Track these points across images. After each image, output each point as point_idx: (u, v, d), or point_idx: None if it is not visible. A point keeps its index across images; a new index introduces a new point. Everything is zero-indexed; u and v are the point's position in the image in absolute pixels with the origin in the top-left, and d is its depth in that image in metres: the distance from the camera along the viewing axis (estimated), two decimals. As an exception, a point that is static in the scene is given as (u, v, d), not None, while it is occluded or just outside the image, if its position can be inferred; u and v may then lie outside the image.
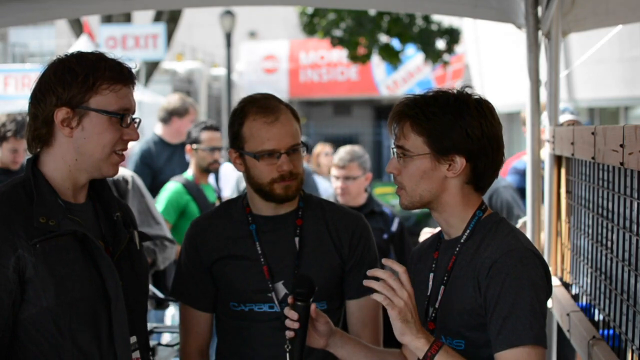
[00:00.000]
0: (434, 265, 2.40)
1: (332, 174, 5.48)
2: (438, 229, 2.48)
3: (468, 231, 2.32)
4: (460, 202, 2.33)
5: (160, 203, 5.48)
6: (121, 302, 2.34)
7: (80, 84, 2.30)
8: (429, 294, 2.37)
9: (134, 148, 6.53)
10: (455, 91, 2.33)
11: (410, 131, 2.30)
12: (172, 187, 5.65)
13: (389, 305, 2.15)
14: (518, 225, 5.09)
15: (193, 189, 5.64)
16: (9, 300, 2.22)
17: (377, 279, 2.20)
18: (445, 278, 2.32)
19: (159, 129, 6.60)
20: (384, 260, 2.25)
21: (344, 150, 5.46)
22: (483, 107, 2.30)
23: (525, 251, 2.23)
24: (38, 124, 2.33)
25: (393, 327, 2.17)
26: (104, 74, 2.32)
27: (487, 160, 2.31)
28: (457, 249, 2.32)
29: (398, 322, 2.15)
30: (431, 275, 2.39)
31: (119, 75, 2.35)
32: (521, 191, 5.14)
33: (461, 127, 2.26)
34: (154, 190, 5.59)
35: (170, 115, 6.57)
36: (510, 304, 2.15)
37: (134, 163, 6.36)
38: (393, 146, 2.36)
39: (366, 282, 2.21)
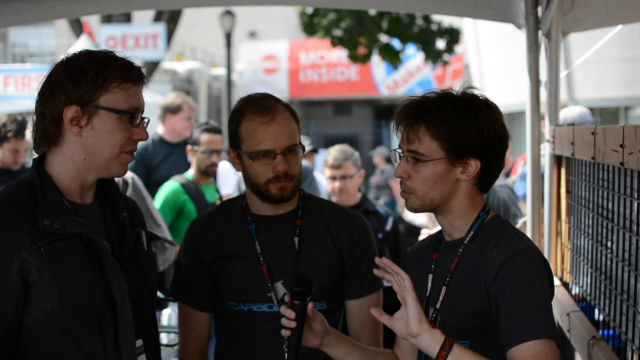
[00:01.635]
0: (432, 266, 2.39)
1: (326, 175, 5.48)
2: (436, 229, 2.48)
3: (472, 233, 2.32)
4: (467, 203, 2.33)
5: (157, 201, 5.48)
6: (127, 305, 2.31)
7: (90, 82, 2.27)
8: (427, 294, 2.37)
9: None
10: (459, 92, 2.31)
11: (425, 135, 2.27)
12: (169, 186, 5.66)
13: (401, 288, 2.11)
14: (518, 226, 5.09)
15: (191, 189, 5.64)
16: (12, 304, 2.19)
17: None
18: (448, 279, 2.32)
19: (160, 129, 6.61)
20: (377, 260, 2.23)
21: (336, 150, 5.47)
22: (492, 108, 2.30)
23: (532, 252, 2.24)
24: (46, 123, 2.29)
25: (409, 315, 2.10)
26: (114, 72, 2.29)
27: (497, 160, 2.32)
28: (460, 250, 2.32)
29: (417, 304, 2.09)
30: (430, 276, 2.38)
31: (129, 74, 2.32)
32: None
33: (477, 129, 2.25)
34: (147, 188, 5.60)
35: (164, 113, 6.57)
36: (522, 300, 2.15)
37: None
38: (399, 149, 2.33)
39: (377, 272, 2.19)
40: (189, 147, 5.77)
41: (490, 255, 2.24)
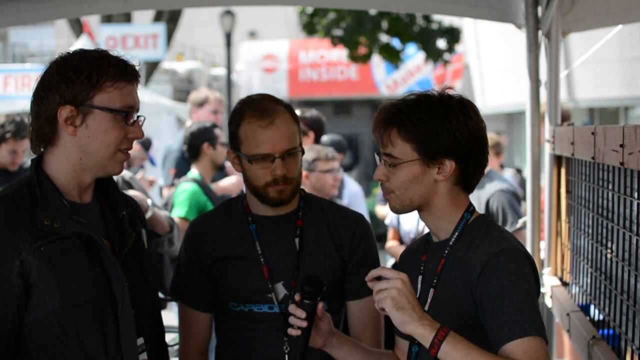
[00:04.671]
0: (422, 268, 2.40)
1: (321, 168, 5.36)
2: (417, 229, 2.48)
3: (457, 233, 2.33)
4: (450, 203, 2.34)
5: (182, 205, 5.42)
6: (127, 303, 2.32)
7: (84, 81, 2.27)
8: (418, 296, 2.37)
9: (174, 144, 6.62)
10: (436, 93, 2.33)
11: (397, 138, 2.29)
12: (189, 187, 5.56)
13: (379, 300, 2.13)
14: (518, 225, 5.09)
15: (206, 189, 5.64)
16: (13, 304, 2.20)
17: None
18: (435, 281, 2.32)
19: (189, 123, 6.60)
20: (370, 284, 2.24)
21: (322, 146, 5.42)
22: (467, 108, 2.31)
23: (516, 251, 2.24)
24: (41, 123, 2.30)
25: (393, 321, 2.13)
26: (107, 71, 2.29)
27: (475, 160, 2.32)
28: (446, 251, 2.33)
29: (394, 312, 2.11)
30: (420, 277, 2.39)
31: (122, 73, 2.32)
32: None
33: (448, 130, 2.26)
34: None
35: (191, 107, 6.65)
36: (509, 298, 2.15)
37: (175, 159, 6.42)
38: (378, 153, 2.36)
39: (370, 284, 2.22)
40: (206, 144, 5.69)
41: (475, 255, 2.25)
